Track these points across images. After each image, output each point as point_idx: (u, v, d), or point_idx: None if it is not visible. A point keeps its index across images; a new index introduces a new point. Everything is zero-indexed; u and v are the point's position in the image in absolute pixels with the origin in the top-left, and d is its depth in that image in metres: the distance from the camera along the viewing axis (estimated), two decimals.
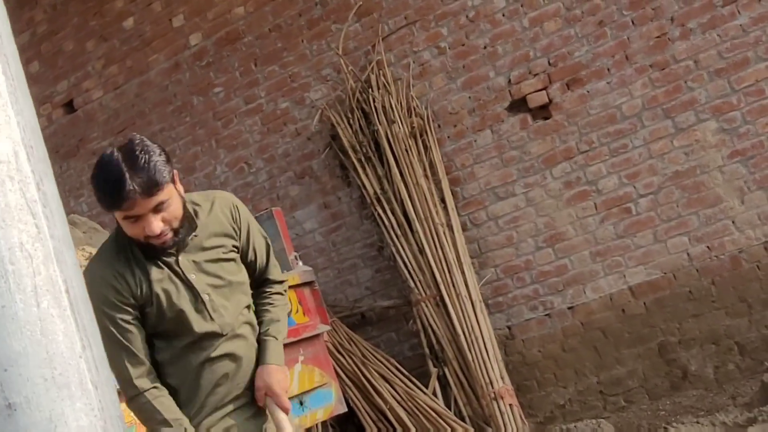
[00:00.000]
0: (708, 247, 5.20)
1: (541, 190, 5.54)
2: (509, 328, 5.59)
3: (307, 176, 6.23)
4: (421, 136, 5.73)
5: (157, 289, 2.46)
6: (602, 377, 5.41)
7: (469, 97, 5.74)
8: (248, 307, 2.68)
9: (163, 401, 2.46)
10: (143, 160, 2.29)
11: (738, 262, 5.13)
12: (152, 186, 2.31)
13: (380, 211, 5.68)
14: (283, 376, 2.63)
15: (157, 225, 2.37)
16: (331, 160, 6.11)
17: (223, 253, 2.58)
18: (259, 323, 2.70)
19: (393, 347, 5.71)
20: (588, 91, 5.46)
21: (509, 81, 5.65)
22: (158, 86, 6.73)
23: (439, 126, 5.82)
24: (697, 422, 4.49)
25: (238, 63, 6.44)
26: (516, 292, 5.60)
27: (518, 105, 5.62)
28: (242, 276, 2.65)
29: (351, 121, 5.88)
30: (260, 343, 2.66)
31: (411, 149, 5.64)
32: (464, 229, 5.68)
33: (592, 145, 5.44)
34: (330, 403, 4.58)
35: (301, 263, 4.77)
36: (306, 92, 6.21)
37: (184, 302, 2.49)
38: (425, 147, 5.70)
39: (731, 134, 5.15)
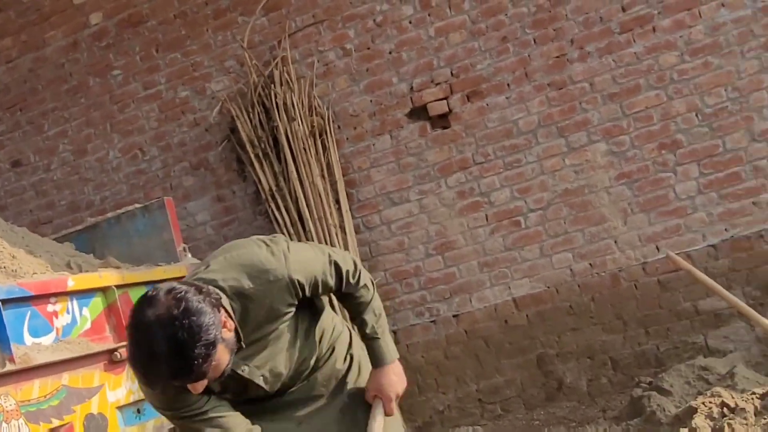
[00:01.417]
0: (590, 264, 5.56)
1: (435, 198, 5.82)
2: (394, 332, 5.83)
3: (203, 168, 6.34)
4: (320, 135, 5.92)
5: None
6: (482, 385, 5.72)
7: (371, 101, 5.97)
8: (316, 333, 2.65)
9: None
10: (192, 354, 2.15)
11: (617, 280, 5.51)
12: (200, 378, 2.22)
13: (274, 208, 5.85)
14: (396, 378, 2.64)
15: (201, 387, 2.29)
16: (228, 153, 6.24)
17: (274, 331, 2.50)
18: (357, 327, 2.70)
19: None
20: (487, 104, 5.76)
21: (411, 88, 5.90)
22: (54, 63, 6.72)
23: (339, 127, 6.03)
24: None
25: (139, 47, 6.49)
26: (403, 297, 5.85)
27: (419, 112, 5.88)
28: (296, 324, 2.57)
29: (251, 115, 6.02)
30: (367, 347, 2.67)
31: (309, 148, 5.83)
32: (357, 231, 5.90)
33: (488, 158, 5.74)
34: None
35: (189, 255, 4.88)
36: (207, 82, 6.32)
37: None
38: (324, 147, 5.90)
39: (619, 157, 5.53)
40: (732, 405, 3.93)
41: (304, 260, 2.50)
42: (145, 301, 2.24)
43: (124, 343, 3.86)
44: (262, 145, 5.94)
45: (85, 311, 3.95)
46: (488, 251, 5.72)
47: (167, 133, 6.44)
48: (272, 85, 5.94)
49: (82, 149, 6.66)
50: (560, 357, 5.59)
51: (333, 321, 2.77)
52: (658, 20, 5.46)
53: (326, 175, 5.85)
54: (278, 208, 5.82)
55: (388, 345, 2.68)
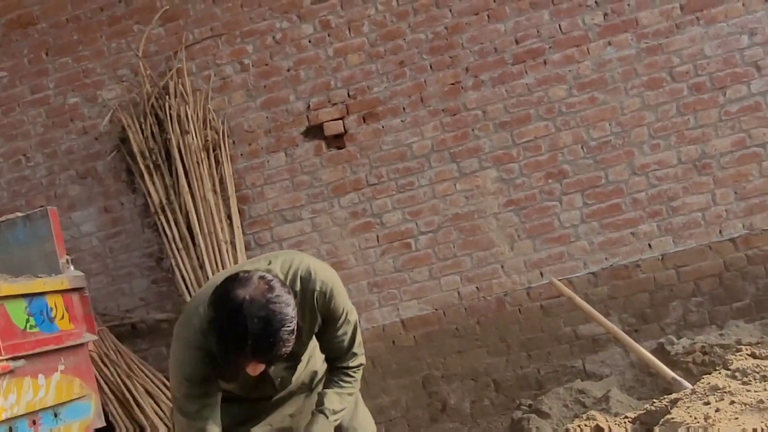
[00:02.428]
0: (477, 287, 5.76)
1: (328, 218, 5.91)
2: None
3: (90, 177, 6.25)
4: (214, 150, 5.93)
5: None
6: (367, 405, 5.80)
7: (267, 117, 6.03)
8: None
9: None
10: (278, 336, 2.37)
11: (502, 304, 5.73)
12: (277, 360, 2.47)
13: (164, 222, 5.82)
14: None
15: (260, 369, 2.48)
16: (117, 163, 6.17)
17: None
18: (321, 396, 2.90)
19: (162, 362, 5.83)
20: (382, 127, 5.90)
21: (308, 107, 5.99)
22: None
23: (233, 142, 6.05)
24: None
25: (28, 49, 6.35)
26: None
27: (314, 131, 5.97)
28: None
29: (143, 126, 5.98)
30: (313, 415, 2.87)
31: (202, 162, 5.83)
32: (248, 248, 5.93)
33: (381, 180, 5.88)
34: (87, 417, 4.62)
35: (72, 268, 4.82)
36: (99, 90, 6.24)
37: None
38: (217, 162, 5.91)
39: (508, 184, 5.76)
40: (605, 428, 4.12)
41: (342, 293, 2.78)
42: (237, 280, 2.42)
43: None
44: (154, 157, 5.91)
45: None
46: (378, 272, 5.85)
47: (54, 139, 6.32)
48: (167, 96, 5.93)
49: None
50: (445, 378, 5.75)
51: None
52: (549, 54, 5.72)
53: (218, 190, 5.86)
54: (168, 222, 5.79)
55: (322, 428, 2.85)
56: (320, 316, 2.73)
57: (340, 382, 2.90)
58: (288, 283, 2.60)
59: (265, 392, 2.87)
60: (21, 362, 3.97)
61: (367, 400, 5.74)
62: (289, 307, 2.40)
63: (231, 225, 5.85)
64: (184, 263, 5.69)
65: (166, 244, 5.79)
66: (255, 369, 2.44)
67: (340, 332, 2.83)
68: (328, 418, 2.83)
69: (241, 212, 5.95)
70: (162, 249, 5.93)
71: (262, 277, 2.43)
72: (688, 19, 5.59)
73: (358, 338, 2.91)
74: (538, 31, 5.75)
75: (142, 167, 5.92)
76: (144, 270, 6.11)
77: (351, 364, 2.92)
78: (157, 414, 5.45)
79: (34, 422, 4.06)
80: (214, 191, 5.83)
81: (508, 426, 5.24)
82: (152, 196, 5.88)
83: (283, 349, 2.40)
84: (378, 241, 5.86)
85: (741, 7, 5.54)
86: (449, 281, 5.79)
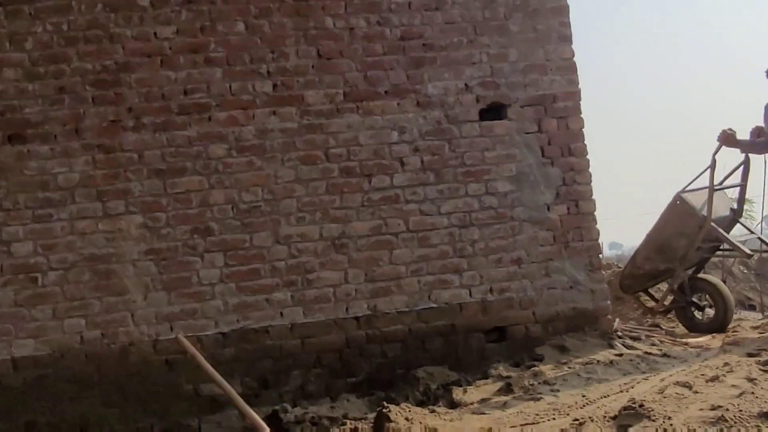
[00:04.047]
0: (103, 333, 5.58)
1: None
2: None
3: None
4: None
5: None
6: None
7: None
8: None
9: None
10: None
11: (127, 353, 5.60)
12: None
13: None
14: None
15: None
16: None
17: None
18: None
19: None
20: (28, 151, 5.60)
21: None
22: None
23: None
24: None
25: None
26: None
27: None
28: None
29: None
30: None
31: None
32: None
33: (16, 205, 5.55)
34: None
35: None
36: None
37: None
38: None
39: (153, 232, 5.70)
40: None
41: None
42: None
43: None
44: None
45: None
46: None
47: None
48: None
49: None
50: (51, 426, 5.46)
51: None
52: (215, 111, 5.83)
53: None
54: None
55: None
56: None
57: None
58: None
59: None
60: None
61: None
62: None
63: None
64: None
65: None
66: None
67: None
68: None
69: None
70: None
71: None
72: (349, 106, 5.99)
73: None
74: (208, 87, 5.84)
75: None
76: None
77: None
78: None
79: None
80: None
81: None
82: None
83: None
84: (2, 271, 5.49)
85: (396, 106, 6.05)
86: (73, 323, 5.57)
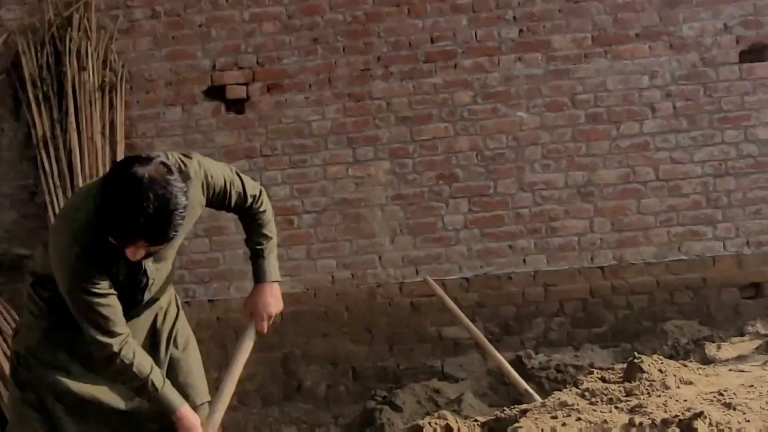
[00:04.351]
0: (352, 274, 5.83)
1: None
2: None
3: None
4: (109, 92, 5.79)
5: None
6: (223, 374, 5.78)
7: (170, 69, 5.93)
8: None
9: None
10: (171, 220, 2.38)
11: (374, 295, 5.82)
12: (162, 243, 2.46)
13: (44, 156, 5.65)
14: (272, 300, 3.08)
15: (140, 254, 2.49)
16: (4, 88, 5.93)
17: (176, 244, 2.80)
18: (249, 245, 3.10)
19: (18, 299, 5.65)
20: (285, 100, 5.90)
21: (214, 66, 5.93)
22: None
23: (131, 88, 5.92)
24: None
25: None
26: None
27: (216, 92, 5.92)
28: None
29: (39, 54, 5.79)
30: (252, 264, 3.07)
31: (95, 103, 5.69)
32: None
33: (275, 152, 5.87)
34: None
35: None
36: None
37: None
38: (111, 105, 5.77)
39: (399, 178, 5.85)
40: (455, 428, 4.25)
41: (215, 167, 2.81)
42: (137, 159, 2.44)
43: None
44: (45, 88, 5.73)
45: None
46: None
47: None
48: (69, 28, 5.76)
49: None
50: (305, 359, 5.80)
51: None
52: (461, 59, 5.85)
53: (107, 134, 5.73)
54: (48, 157, 5.63)
55: (270, 265, 3.09)
56: (210, 198, 2.80)
57: (259, 213, 3.04)
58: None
59: (134, 296, 2.82)
60: None
61: (224, 369, 5.73)
62: (182, 195, 2.42)
63: None
64: (58, 201, 5.53)
65: (43, 179, 5.62)
66: (136, 253, 2.46)
67: (233, 199, 2.90)
68: (269, 247, 3.10)
69: None
70: (38, 184, 5.75)
71: (162, 162, 2.45)
72: (597, 51, 5.80)
73: (248, 186, 2.95)
74: (454, 35, 5.86)
75: (31, 96, 5.72)
76: (15, 202, 5.91)
77: (254, 207, 3.01)
78: (4, 352, 5.29)
79: None
80: (103, 134, 5.69)
81: (359, 414, 5.32)
82: (36, 128, 5.70)
83: (172, 233, 2.43)
84: None
85: (647, 49, 5.79)
86: (325, 264, 5.84)
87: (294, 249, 5.85)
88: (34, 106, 5.72)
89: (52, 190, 5.58)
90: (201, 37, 5.94)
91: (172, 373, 2.98)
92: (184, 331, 3.15)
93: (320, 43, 5.92)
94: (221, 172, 2.83)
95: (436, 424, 4.35)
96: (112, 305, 2.65)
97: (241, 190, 2.91)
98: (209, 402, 3.06)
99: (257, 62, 5.92)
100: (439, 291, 5.15)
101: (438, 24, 5.88)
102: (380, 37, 5.90)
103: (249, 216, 3.03)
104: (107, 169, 5.49)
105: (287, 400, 5.78)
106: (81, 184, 5.52)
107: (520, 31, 5.85)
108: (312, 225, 5.86)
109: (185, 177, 2.59)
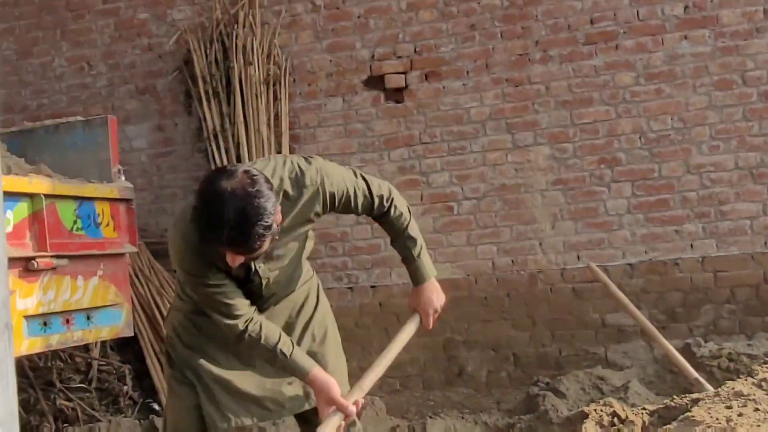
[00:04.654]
0: (512, 260, 5.81)
1: (376, 169, 5.97)
2: None
3: (149, 94, 6.36)
4: (273, 85, 6.01)
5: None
6: None
7: (330, 61, 6.08)
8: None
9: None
10: (252, 230, 2.46)
11: (535, 280, 5.78)
12: (248, 253, 2.55)
13: (215, 148, 5.92)
14: (433, 295, 3.16)
15: (239, 260, 2.59)
16: (177, 84, 6.28)
17: (291, 242, 2.87)
18: (396, 249, 3.14)
19: None
20: (443, 87, 5.93)
21: (373, 56, 6.03)
22: None
23: (294, 80, 6.12)
24: (462, 418, 5.05)
25: None
26: (326, 260, 6.01)
27: (375, 82, 6.03)
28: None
29: (208, 51, 6.07)
30: (407, 268, 3.14)
31: (261, 96, 5.91)
32: None
33: (434, 139, 5.93)
34: (118, 324, 4.73)
35: (123, 178, 4.92)
36: (170, 9, 6.34)
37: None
38: (275, 97, 5.99)
39: (560, 163, 5.77)
40: (622, 416, 4.17)
41: (336, 173, 2.84)
42: (223, 172, 2.55)
43: (43, 253, 3.94)
44: (214, 83, 6.00)
45: (9, 213, 3.94)
46: None
47: (118, 52, 6.44)
48: (235, 25, 6.00)
49: (26, 51, 6.61)
50: (466, 345, 5.83)
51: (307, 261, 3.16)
52: (622, 39, 5.70)
53: (272, 126, 5.95)
54: (219, 149, 5.90)
55: (424, 265, 3.12)
56: (328, 206, 2.83)
57: (400, 217, 3.03)
58: (280, 184, 2.71)
59: (251, 292, 2.92)
60: (64, 261, 4.08)
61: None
62: (268, 203, 2.48)
63: None
64: None
65: None
66: (233, 260, 2.57)
67: (359, 202, 2.91)
68: (419, 247, 3.10)
69: (291, 151, 6.04)
70: None
71: (246, 171, 2.53)
72: None
73: (374, 187, 2.95)
74: (614, 15, 5.72)
75: (202, 92, 6.01)
76: (189, 193, 6.21)
77: (384, 208, 2.99)
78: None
79: (67, 321, 4.19)
80: (268, 126, 5.91)
81: (522, 400, 5.32)
82: (207, 122, 5.97)
83: (258, 243, 2.50)
84: (421, 199, 5.92)
85: None
86: (485, 250, 5.85)
87: (454, 235, 5.88)
88: (204, 100, 6.01)
89: None
90: (359, 28, 6.06)
91: None
92: (323, 323, 3.22)
93: (477, 29, 5.91)
94: (343, 177, 2.86)
95: (602, 411, 4.29)
96: (229, 291, 2.78)
97: (366, 193, 2.92)
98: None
99: (415, 51, 5.98)
100: (604, 277, 5.04)
101: (598, 4, 5.75)
102: (538, 21, 5.83)
103: (385, 220, 3.05)
104: None
105: (448, 384, 5.85)
106: None
107: (686, 7, 5.64)
108: (472, 211, 5.87)
109: (300, 184, 2.72)
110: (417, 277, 3.12)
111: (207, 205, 2.49)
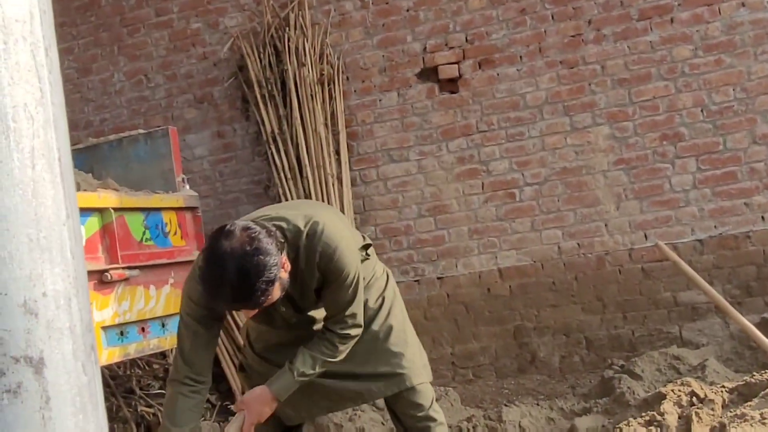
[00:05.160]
0: (578, 244, 5.76)
1: (434, 161, 5.97)
2: None
3: (207, 102, 6.46)
4: (328, 84, 6.05)
5: None
6: (456, 349, 5.93)
7: (383, 56, 6.10)
8: None
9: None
10: (254, 287, 2.59)
11: (602, 262, 5.72)
12: (255, 307, 2.71)
13: (274, 151, 5.99)
14: (261, 407, 2.99)
15: (250, 313, 2.84)
16: (233, 90, 6.36)
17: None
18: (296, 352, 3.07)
19: None
20: (497, 74, 5.90)
21: (425, 48, 6.03)
22: None
23: (347, 78, 6.15)
24: (537, 404, 5.03)
25: None
26: (391, 254, 6.03)
27: (428, 74, 6.02)
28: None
29: (261, 55, 6.13)
30: (281, 371, 3.04)
31: (316, 96, 5.96)
32: (353, 183, 6.06)
33: (491, 127, 5.90)
34: None
35: (187, 186, 5.02)
36: (221, 17, 6.42)
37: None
38: (330, 96, 6.03)
39: (620, 142, 5.70)
40: (701, 395, 4.11)
41: (351, 262, 2.90)
42: (223, 233, 2.66)
43: (115, 265, 4.05)
44: (269, 87, 6.06)
45: (81, 229, 4.04)
46: (480, 219, 5.90)
47: (174, 62, 6.54)
48: (286, 28, 6.05)
49: (86, 68, 6.76)
50: (537, 331, 5.80)
51: (374, 268, 3.28)
52: (677, 12, 5.60)
53: (329, 125, 5.98)
54: (278, 152, 5.96)
55: (284, 383, 2.98)
56: (319, 273, 2.88)
57: (322, 347, 3.00)
58: (294, 236, 2.82)
59: (285, 323, 3.09)
60: (136, 272, 4.19)
61: (457, 344, 5.90)
62: (268, 258, 2.59)
63: (339, 160, 5.98)
64: (290, 193, 5.85)
65: (275, 173, 5.95)
66: (246, 312, 2.83)
67: (336, 293, 2.94)
68: (294, 376, 2.97)
69: (349, 148, 6.07)
70: (270, 178, 6.11)
71: (245, 229, 2.64)
72: None
73: (354, 308, 2.98)
74: None
75: (258, 96, 6.08)
76: (251, 197, 6.31)
77: (338, 330, 2.99)
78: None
79: (143, 329, 4.30)
80: (326, 125, 5.95)
81: (597, 384, 5.26)
82: (265, 125, 6.04)
83: (262, 297, 2.63)
84: (483, 188, 5.90)
85: None
86: (550, 235, 5.81)
87: (518, 222, 5.85)
88: (261, 104, 6.07)
89: (284, 183, 5.91)
90: (410, 21, 6.06)
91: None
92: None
93: (528, 13, 5.86)
94: (344, 266, 2.89)
95: (680, 391, 4.24)
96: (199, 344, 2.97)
97: (345, 299, 2.95)
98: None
99: (466, 40, 5.96)
100: (673, 255, 4.97)
101: None
102: (589, 0, 5.75)
103: (325, 333, 3.04)
104: (332, 159, 5.76)
105: (522, 372, 5.82)
106: (309, 175, 5.82)
107: None
108: (534, 197, 5.83)
109: (275, 237, 2.73)
110: (272, 381, 3.01)
111: (209, 266, 2.63)
